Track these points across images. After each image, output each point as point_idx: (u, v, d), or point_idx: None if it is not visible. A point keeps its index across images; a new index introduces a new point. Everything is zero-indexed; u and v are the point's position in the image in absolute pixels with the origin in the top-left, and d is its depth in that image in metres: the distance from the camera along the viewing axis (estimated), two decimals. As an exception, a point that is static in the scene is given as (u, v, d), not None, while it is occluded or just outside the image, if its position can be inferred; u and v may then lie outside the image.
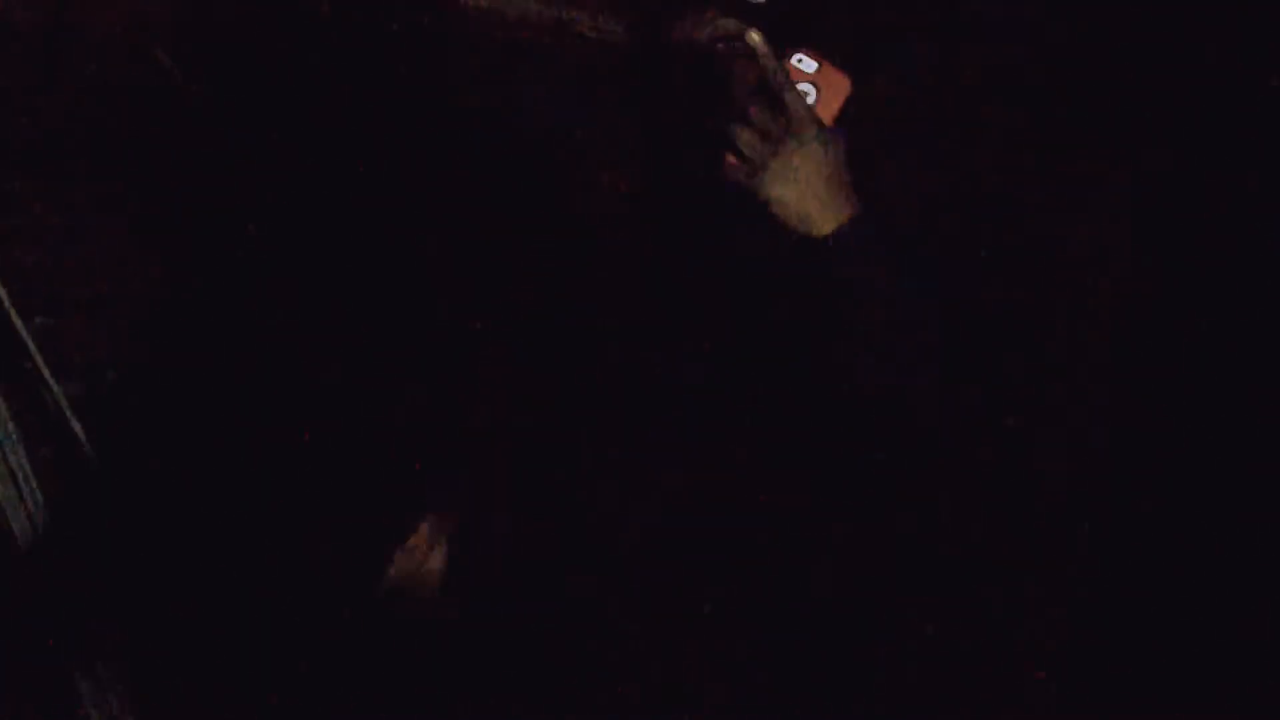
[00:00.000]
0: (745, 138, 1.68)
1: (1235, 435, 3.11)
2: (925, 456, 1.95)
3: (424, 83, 3.04)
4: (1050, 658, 3.26)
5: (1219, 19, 2.89)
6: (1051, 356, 3.00)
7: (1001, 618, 3.03)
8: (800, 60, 1.73)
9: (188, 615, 2.95)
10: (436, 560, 1.93)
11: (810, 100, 1.70)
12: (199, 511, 2.99)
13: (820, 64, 1.72)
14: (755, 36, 1.65)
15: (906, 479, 1.95)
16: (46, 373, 2.91)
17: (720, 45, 1.72)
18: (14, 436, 2.87)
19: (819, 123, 1.69)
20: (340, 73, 3.06)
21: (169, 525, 2.98)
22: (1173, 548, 3.23)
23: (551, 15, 3.11)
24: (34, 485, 2.88)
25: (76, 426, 2.93)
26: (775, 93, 1.66)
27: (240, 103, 3.03)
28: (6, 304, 2.90)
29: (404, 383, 2.50)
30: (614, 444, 1.84)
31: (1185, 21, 2.89)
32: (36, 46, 2.92)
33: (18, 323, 2.90)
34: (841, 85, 1.71)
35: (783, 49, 1.71)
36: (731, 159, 1.71)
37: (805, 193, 1.67)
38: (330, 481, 3.00)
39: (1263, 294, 3.09)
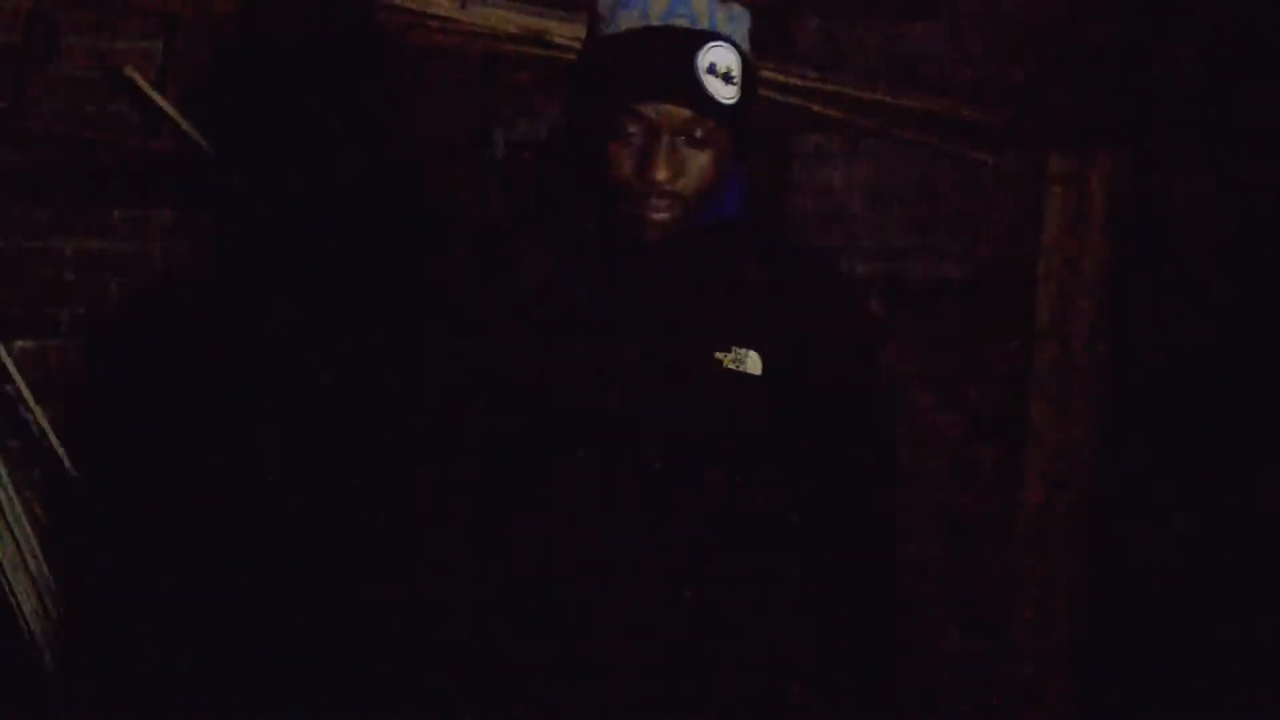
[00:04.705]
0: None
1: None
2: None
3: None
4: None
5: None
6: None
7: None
8: None
9: (171, 628, 2.98)
10: None
11: None
12: (182, 525, 3.02)
13: None
14: None
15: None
16: (27, 394, 2.93)
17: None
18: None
19: None
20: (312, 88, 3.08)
21: (153, 540, 3.01)
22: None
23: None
24: (19, 509, 2.90)
25: (59, 448, 2.94)
26: None
27: (214, 121, 3.05)
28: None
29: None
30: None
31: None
32: (7, 71, 2.93)
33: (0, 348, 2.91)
34: None
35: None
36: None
37: None
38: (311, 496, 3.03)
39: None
